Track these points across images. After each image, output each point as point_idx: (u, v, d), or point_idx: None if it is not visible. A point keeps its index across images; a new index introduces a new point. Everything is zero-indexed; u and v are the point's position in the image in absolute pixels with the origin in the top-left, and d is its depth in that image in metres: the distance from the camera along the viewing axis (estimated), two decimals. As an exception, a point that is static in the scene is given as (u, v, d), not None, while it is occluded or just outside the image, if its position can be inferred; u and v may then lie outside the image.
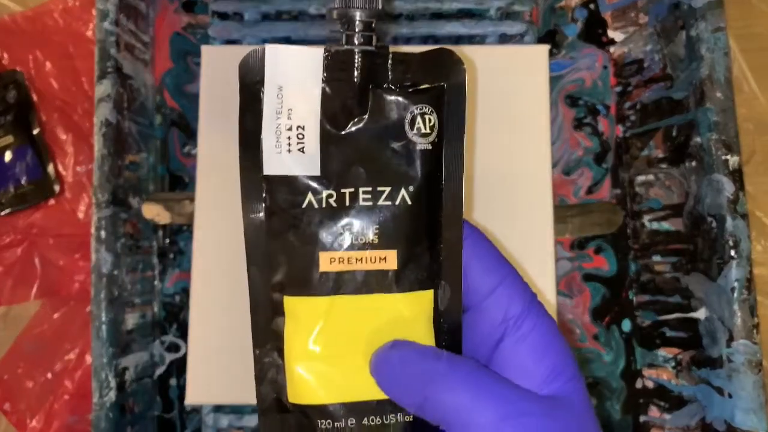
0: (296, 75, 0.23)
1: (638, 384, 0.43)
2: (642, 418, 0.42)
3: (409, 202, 0.23)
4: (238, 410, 0.41)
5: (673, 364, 0.41)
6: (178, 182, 0.46)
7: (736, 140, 0.36)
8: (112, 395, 0.38)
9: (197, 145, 0.38)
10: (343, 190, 0.23)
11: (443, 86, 0.24)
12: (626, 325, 0.44)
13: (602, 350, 0.43)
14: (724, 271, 0.36)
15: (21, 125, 0.46)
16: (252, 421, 0.41)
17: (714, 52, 0.37)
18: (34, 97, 0.47)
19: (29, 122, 0.46)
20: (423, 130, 0.23)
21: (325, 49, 0.23)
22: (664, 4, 0.41)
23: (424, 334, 0.23)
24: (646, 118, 0.43)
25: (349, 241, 0.23)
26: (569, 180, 0.45)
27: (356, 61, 0.23)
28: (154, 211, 0.42)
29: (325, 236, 0.23)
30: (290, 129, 0.23)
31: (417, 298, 0.23)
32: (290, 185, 0.23)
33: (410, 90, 0.23)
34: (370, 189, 0.23)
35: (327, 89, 0.23)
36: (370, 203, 0.23)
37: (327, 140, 0.23)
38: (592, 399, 0.43)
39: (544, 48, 0.39)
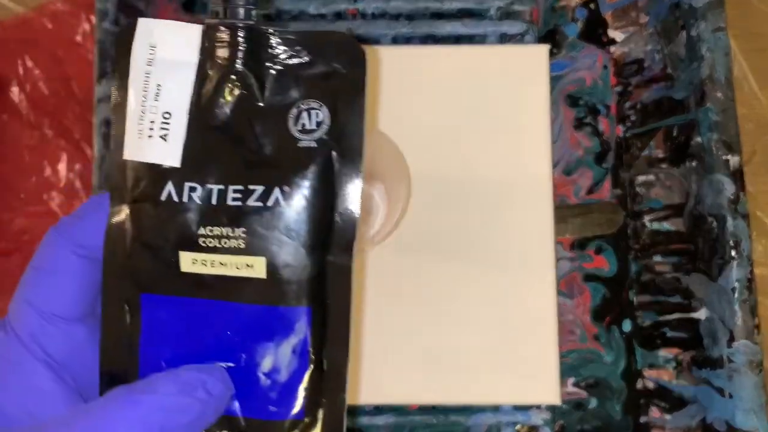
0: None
1: (639, 384, 0.43)
2: (642, 419, 0.42)
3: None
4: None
5: (673, 364, 0.41)
6: (178, 182, 0.45)
7: (736, 140, 0.36)
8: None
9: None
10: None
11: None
12: (627, 325, 0.44)
13: (603, 351, 0.43)
14: (724, 271, 0.36)
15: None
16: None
17: (714, 52, 0.37)
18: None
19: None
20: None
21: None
22: (665, 3, 0.41)
23: None
24: (647, 118, 0.43)
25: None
26: (570, 180, 0.45)
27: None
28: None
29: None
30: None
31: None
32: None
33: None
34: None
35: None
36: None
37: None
38: (593, 399, 0.43)
39: (545, 48, 0.39)
